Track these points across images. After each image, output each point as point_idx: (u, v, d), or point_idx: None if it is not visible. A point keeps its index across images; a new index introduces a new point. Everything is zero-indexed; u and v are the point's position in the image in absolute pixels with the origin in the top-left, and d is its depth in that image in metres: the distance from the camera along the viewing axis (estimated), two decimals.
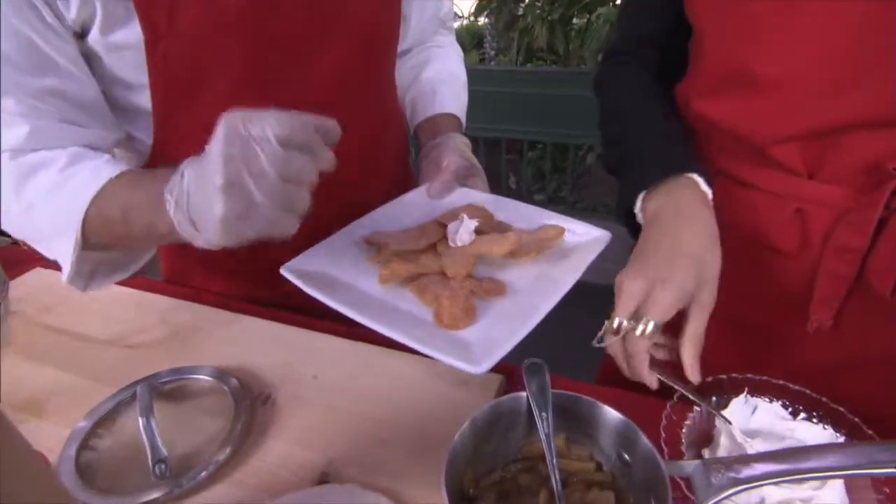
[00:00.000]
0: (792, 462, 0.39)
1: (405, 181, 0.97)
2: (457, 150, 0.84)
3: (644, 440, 0.44)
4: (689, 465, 0.42)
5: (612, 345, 0.57)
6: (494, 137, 2.73)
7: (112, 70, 0.61)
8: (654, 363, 0.58)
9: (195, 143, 0.68)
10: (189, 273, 0.90)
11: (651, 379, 0.55)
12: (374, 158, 0.86)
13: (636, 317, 0.55)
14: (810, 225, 0.64)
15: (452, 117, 0.94)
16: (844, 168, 0.60)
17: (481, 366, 0.50)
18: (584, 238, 0.68)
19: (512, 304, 0.60)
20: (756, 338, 0.70)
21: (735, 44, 0.62)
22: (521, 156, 2.86)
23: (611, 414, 0.47)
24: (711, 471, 0.41)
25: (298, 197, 0.49)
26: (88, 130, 0.63)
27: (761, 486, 0.39)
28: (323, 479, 0.52)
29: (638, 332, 0.54)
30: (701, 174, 0.61)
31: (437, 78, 0.96)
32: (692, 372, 0.54)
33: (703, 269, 0.56)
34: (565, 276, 0.61)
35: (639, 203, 0.63)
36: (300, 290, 0.62)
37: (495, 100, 2.46)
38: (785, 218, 0.65)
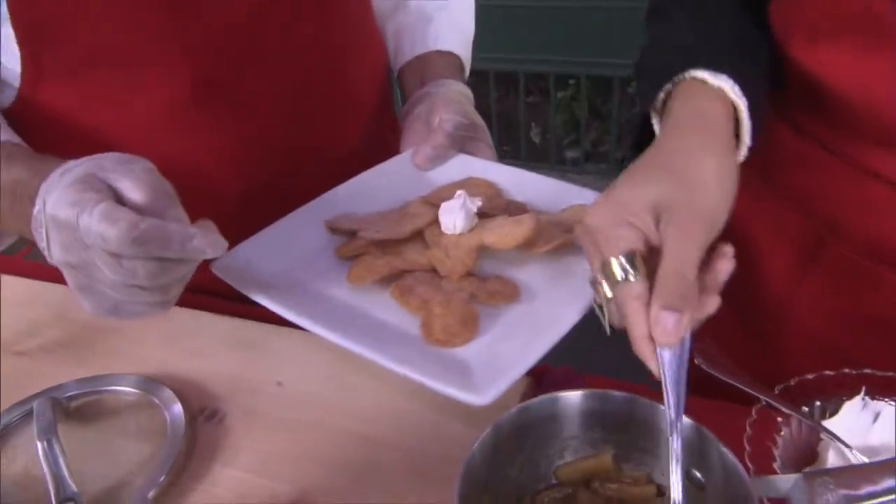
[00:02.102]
0: None
1: (385, 132, 0.98)
2: (453, 104, 0.84)
3: (723, 451, 0.46)
4: (787, 481, 0.44)
5: (629, 303, 0.50)
6: (510, 72, 2.73)
7: None
8: (706, 355, 0.58)
9: (78, 80, 0.69)
10: None
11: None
12: (332, 97, 0.87)
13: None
14: None
15: (450, 57, 0.95)
16: None
17: (484, 395, 0.52)
18: None
19: (527, 311, 0.62)
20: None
21: None
22: (547, 97, 2.87)
23: None
24: (817, 488, 0.42)
25: (162, 293, 0.54)
26: None
27: (886, 502, 0.40)
28: None
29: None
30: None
31: (431, 2, 0.96)
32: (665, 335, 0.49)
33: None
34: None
35: (660, 98, 0.60)
36: None
37: (510, 19, 2.46)
38: None
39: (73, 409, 0.65)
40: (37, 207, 0.54)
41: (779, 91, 0.72)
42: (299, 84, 0.82)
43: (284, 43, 0.78)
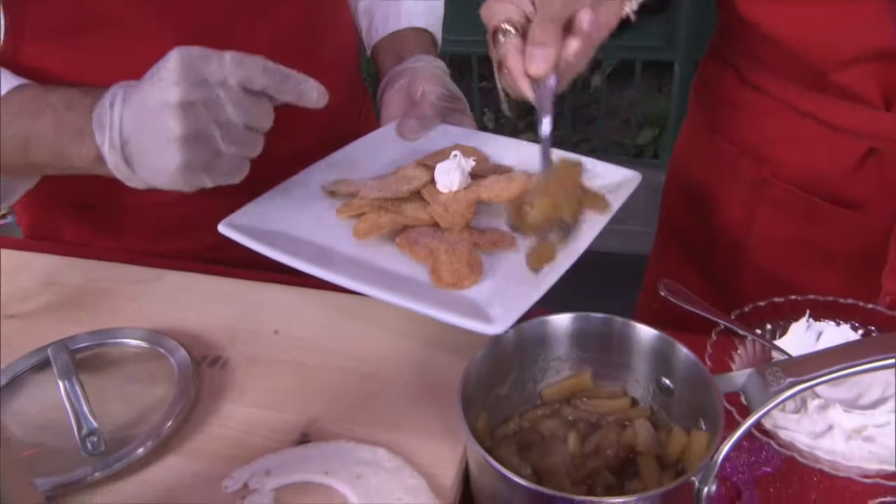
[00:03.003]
0: (858, 355, 0.51)
1: (354, 106, 1.06)
2: (434, 77, 0.92)
3: (685, 352, 0.56)
4: (742, 375, 0.54)
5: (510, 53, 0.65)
6: (462, 54, 2.80)
7: None
8: (670, 288, 0.68)
9: (59, 44, 0.75)
10: (62, 226, 0.97)
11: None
12: (307, 66, 0.92)
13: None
14: (886, 170, 0.73)
15: (423, 34, 1.02)
16: None
17: (497, 325, 0.59)
18: (609, 180, 0.78)
19: (525, 257, 0.69)
20: None
21: None
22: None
23: (645, 332, 0.59)
24: (767, 377, 0.52)
25: (258, 143, 0.65)
26: None
27: (826, 382, 0.50)
28: (304, 439, 0.62)
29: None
30: None
31: None
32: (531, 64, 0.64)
33: None
34: (590, 222, 0.70)
35: None
36: (234, 241, 0.70)
37: (464, 0, 2.53)
38: (853, 160, 0.74)
39: (81, 360, 0.70)
40: (105, 102, 0.66)
41: (727, 45, 0.83)
42: (276, 53, 0.88)
43: (264, 10, 0.85)
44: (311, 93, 0.65)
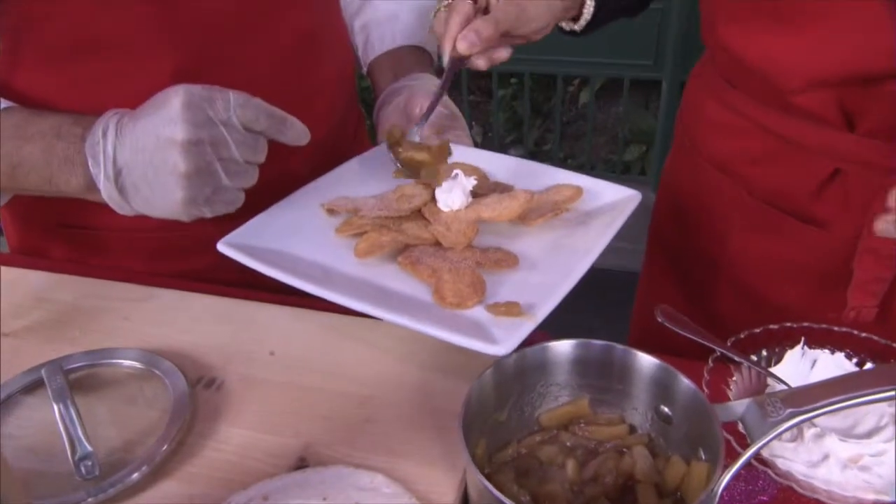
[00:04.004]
0: (856, 387, 0.52)
1: (350, 123, 1.06)
2: (431, 94, 0.92)
3: (685, 382, 0.56)
4: (741, 405, 0.54)
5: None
6: None
7: None
8: (668, 314, 0.69)
9: (56, 69, 0.75)
10: (49, 244, 0.97)
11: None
12: (304, 88, 0.94)
13: None
14: (850, 189, 0.75)
15: (420, 51, 1.04)
16: (893, 118, 0.69)
17: (504, 344, 0.59)
18: (609, 199, 0.79)
19: (528, 276, 0.70)
20: (781, 320, 0.82)
21: None
22: (488, 96, 2.98)
23: (645, 360, 0.59)
24: (766, 408, 0.53)
25: (254, 174, 0.70)
26: None
27: (824, 413, 0.51)
28: (301, 464, 0.62)
29: None
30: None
31: None
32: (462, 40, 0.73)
33: None
34: (591, 242, 0.71)
35: None
36: (229, 261, 0.70)
37: None
38: (819, 180, 0.76)
39: (73, 381, 0.70)
40: (97, 132, 0.67)
41: (709, 66, 0.87)
42: (276, 74, 0.89)
43: (264, 31, 0.85)
44: (301, 136, 0.71)
